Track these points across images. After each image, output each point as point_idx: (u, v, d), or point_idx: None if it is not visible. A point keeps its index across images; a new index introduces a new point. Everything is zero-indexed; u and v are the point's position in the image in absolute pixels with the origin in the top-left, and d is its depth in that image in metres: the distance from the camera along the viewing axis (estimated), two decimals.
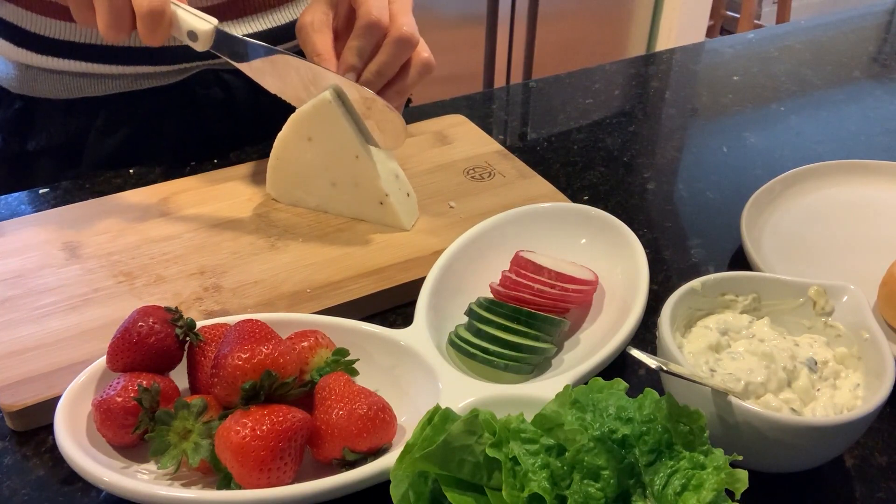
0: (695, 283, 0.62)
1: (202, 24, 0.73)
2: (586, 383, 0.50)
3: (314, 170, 0.77)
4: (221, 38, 0.74)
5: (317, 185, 0.78)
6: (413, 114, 0.99)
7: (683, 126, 1.03)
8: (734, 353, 0.59)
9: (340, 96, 0.74)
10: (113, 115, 0.75)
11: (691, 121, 1.04)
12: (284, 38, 0.93)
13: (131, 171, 0.87)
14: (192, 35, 0.73)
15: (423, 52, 0.75)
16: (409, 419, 0.57)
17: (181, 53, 0.87)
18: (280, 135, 0.77)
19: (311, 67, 0.74)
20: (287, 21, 0.93)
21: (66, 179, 0.89)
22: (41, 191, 0.85)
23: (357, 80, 0.74)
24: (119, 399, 0.54)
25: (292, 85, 0.76)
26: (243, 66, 0.76)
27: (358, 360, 0.59)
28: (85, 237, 0.75)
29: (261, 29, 0.91)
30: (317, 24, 0.75)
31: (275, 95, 0.94)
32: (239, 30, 0.90)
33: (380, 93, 0.75)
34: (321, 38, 0.75)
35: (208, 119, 0.81)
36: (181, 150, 0.83)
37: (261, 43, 0.75)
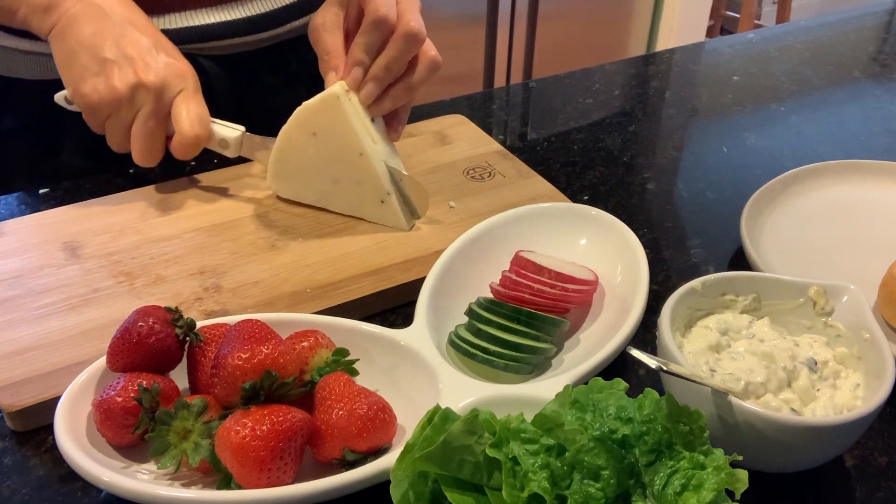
0: (695, 283, 0.62)
1: (232, 132, 0.79)
2: (586, 383, 0.50)
3: (316, 165, 0.77)
4: (251, 141, 0.80)
5: (318, 180, 0.78)
6: (413, 114, 0.98)
7: (683, 126, 1.03)
8: (734, 353, 0.59)
9: (349, 94, 0.75)
10: None
11: (691, 121, 1.04)
12: (279, 22, 0.93)
13: (131, 170, 0.87)
14: (224, 143, 0.79)
15: (430, 49, 0.76)
16: (409, 419, 0.57)
17: None
18: (284, 127, 0.77)
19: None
20: (280, 5, 0.92)
21: (44, 162, 0.89)
22: (41, 191, 0.85)
23: (364, 76, 0.74)
24: (119, 399, 0.54)
25: None
26: None
27: (358, 360, 0.59)
28: (85, 237, 0.75)
29: (257, 12, 0.90)
30: (328, 25, 0.76)
31: (253, 83, 0.94)
32: (235, 13, 0.89)
33: (388, 89, 0.75)
34: (332, 38, 0.76)
35: None
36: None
37: None
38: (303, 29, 0.94)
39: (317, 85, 0.96)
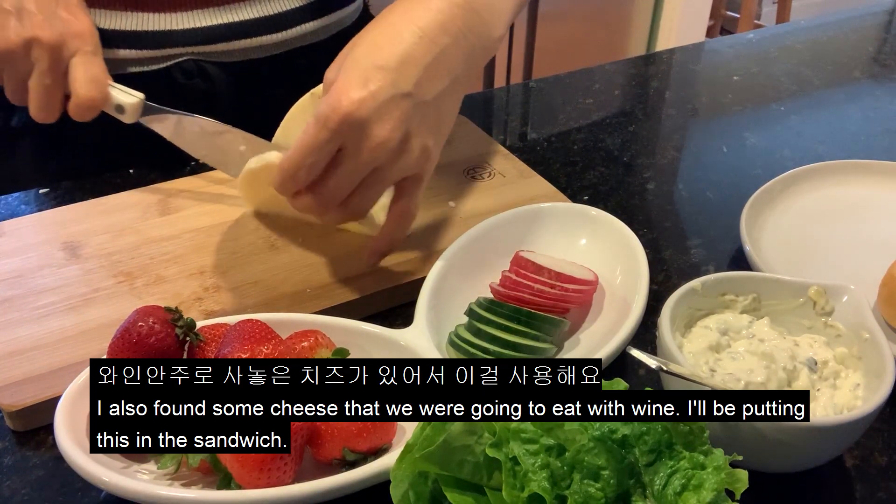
0: (695, 283, 0.62)
1: (129, 98, 0.75)
2: None
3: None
4: (149, 110, 0.76)
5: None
6: None
7: (683, 126, 1.03)
8: (734, 353, 0.59)
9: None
10: None
11: (691, 121, 1.04)
12: (287, 25, 0.92)
13: (131, 171, 0.88)
14: (120, 108, 0.76)
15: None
16: None
17: (164, 38, 0.86)
18: (240, 179, 0.76)
19: (259, 143, 0.73)
20: (288, 7, 0.91)
21: (49, 162, 0.88)
22: (41, 191, 0.85)
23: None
24: None
25: (235, 160, 0.75)
26: (177, 141, 0.78)
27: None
28: (85, 237, 0.75)
29: (265, 14, 0.90)
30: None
31: (260, 93, 0.93)
32: (242, 14, 0.89)
33: None
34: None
35: (190, 111, 0.82)
36: (162, 144, 0.83)
37: (201, 118, 0.76)
38: (313, 36, 0.93)
39: None
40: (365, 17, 1.03)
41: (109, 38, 0.85)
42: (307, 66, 0.94)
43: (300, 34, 0.92)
